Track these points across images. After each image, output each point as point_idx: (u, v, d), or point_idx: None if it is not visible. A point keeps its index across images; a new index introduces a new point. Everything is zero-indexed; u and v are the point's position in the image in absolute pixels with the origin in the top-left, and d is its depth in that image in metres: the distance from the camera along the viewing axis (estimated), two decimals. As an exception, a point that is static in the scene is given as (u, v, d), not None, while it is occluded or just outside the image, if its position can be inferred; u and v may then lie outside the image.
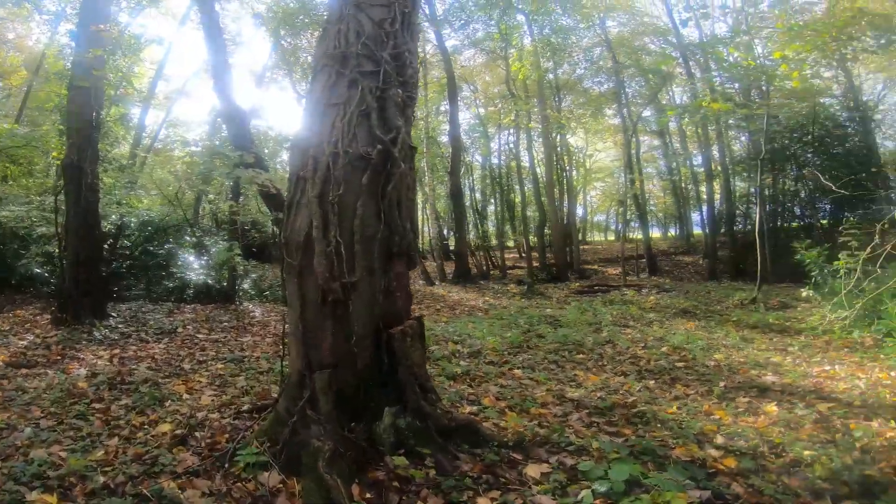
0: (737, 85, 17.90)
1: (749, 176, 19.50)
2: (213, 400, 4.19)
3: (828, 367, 5.51)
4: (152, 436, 3.37)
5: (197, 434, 3.37)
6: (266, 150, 14.31)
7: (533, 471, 2.82)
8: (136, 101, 16.22)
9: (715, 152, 20.23)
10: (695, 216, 29.60)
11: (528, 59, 17.59)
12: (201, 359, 5.89)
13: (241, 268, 11.48)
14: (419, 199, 22.71)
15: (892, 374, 5.08)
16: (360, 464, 2.76)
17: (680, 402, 4.44)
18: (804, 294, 9.09)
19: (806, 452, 3.14)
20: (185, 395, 4.34)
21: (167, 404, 4.07)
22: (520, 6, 17.39)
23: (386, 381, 3.06)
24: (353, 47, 3.41)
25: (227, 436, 3.30)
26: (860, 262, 6.85)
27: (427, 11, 15.82)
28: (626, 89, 21.37)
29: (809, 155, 17.61)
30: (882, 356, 5.71)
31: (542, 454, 3.07)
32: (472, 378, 5.14)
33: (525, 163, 23.15)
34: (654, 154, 28.68)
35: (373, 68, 3.42)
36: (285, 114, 33.34)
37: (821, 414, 3.95)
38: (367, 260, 3.06)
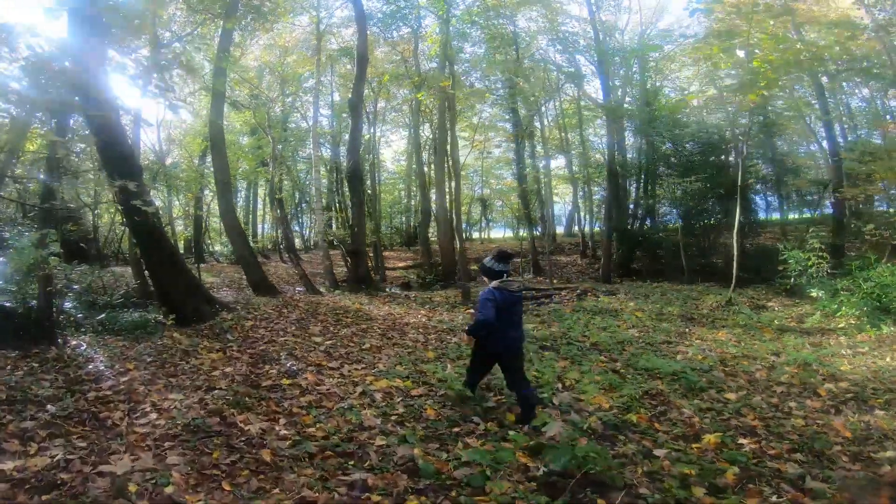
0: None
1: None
2: None
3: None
4: None
5: None
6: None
7: None
8: None
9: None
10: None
11: (437, 41, 15.23)
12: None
13: (61, 276, 6.46)
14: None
15: None
16: None
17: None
18: (814, 294, 8.74)
19: None
20: None
21: None
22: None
23: None
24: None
25: None
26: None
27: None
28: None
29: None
30: None
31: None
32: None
33: (384, 155, 20.43)
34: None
35: None
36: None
37: None
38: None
